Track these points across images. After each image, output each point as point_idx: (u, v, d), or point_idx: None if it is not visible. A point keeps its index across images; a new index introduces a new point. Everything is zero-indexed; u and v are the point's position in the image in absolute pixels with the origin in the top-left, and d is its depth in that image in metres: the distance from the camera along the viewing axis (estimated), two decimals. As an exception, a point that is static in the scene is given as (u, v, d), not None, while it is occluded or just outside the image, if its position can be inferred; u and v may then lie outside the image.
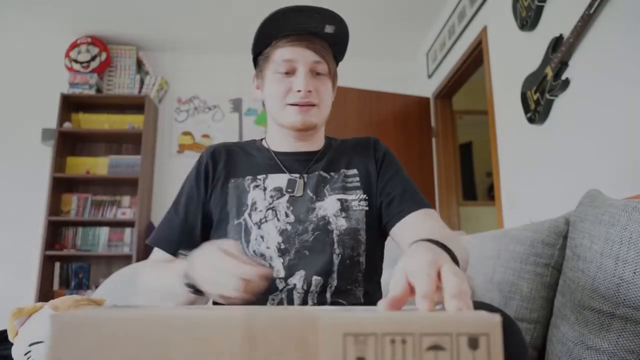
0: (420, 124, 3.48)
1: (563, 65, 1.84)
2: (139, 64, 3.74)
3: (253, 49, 0.93)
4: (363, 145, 0.99)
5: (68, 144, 3.53)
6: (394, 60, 3.90)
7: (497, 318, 0.31)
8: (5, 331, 0.98)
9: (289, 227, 0.86)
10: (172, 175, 3.67)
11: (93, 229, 3.44)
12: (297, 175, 0.92)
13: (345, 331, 0.31)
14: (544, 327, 1.06)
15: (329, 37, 0.90)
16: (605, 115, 1.63)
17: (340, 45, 0.93)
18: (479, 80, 2.94)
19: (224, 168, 0.94)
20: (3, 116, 3.55)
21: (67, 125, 3.41)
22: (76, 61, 3.53)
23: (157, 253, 0.93)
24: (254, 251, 0.86)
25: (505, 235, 1.26)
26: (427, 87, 3.62)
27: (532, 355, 1.05)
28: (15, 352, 0.89)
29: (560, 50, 1.84)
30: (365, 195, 0.91)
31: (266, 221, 0.87)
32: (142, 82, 3.67)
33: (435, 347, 0.31)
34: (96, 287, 3.31)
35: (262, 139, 1.02)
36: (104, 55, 3.55)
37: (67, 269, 3.39)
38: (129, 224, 3.41)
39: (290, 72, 0.88)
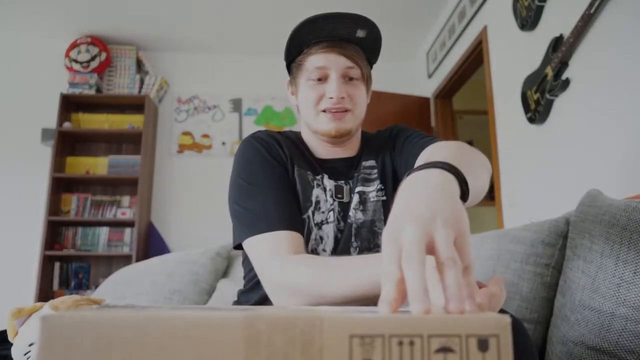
0: (420, 124, 3.48)
1: (563, 65, 1.84)
2: (139, 64, 3.73)
3: (285, 56, 0.93)
4: (384, 135, 0.99)
5: (68, 144, 3.53)
6: (394, 60, 3.90)
7: (506, 319, 0.31)
8: (5, 331, 0.98)
9: (339, 235, 0.88)
10: (172, 175, 3.67)
11: (93, 229, 3.44)
12: (342, 181, 0.92)
13: (351, 332, 0.30)
14: (544, 327, 1.06)
15: (361, 42, 0.90)
16: (605, 115, 1.63)
17: (373, 48, 0.93)
18: (479, 80, 2.94)
19: (286, 153, 0.90)
20: (3, 116, 3.55)
21: (67, 125, 3.41)
22: (76, 61, 3.52)
23: (278, 238, 0.77)
24: (312, 250, 0.86)
25: (505, 235, 1.26)
26: (427, 87, 3.61)
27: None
28: (15, 352, 0.89)
29: (560, 50, 1.84)
30: (381, 185, 0.91)
31: (327, 223, 0.87)
32: (142, 82, 3.66)
33: (444, 349, 0.30)
34: (96, 287, 3.31)
35: (299, 133, 0.99)
36: (103, 55, 3.55)
37: (67, 269, 3.39)
38: (129, 224, 3.41)
39: (322, 79, 0.87)
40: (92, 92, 3.50)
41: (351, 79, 0.88)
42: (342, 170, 0.93)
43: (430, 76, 3.56)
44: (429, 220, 0.38)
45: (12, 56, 3.64)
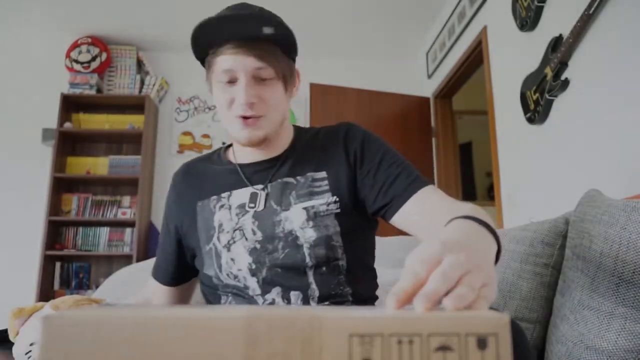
0: (420, 124, 3.48)
1: (563, 65, 1.84)
2: (139, 64, 3.74)
3: (194, 55, 0.86)
4: (333, 139, 0.90)
5: (68, 144, 3.53)
6: (394, 60, 3.90)
7: (505, 317, 0.31)
8: (5, 331, 0.98)
9: (257, 246, 0.83)
10: (172, 175, 3.67)
11: (93, 229, 3.44)
12: (261, 186, 0.87)
13: (351, 332, 0.30)
14: (544, 327, 1.07)
15: (271, 38, 0.81)
16: (604, 115, 1.63)
17: (287, 43, 0.84)
18: (479, 80, 2.94)
19: (192, 190, 0.93)
20: (3, 116, 3.55)
21: (67, 125, 3.41)
22: (77, 61, 3.53)
23: (155, 283, 1.01)
24: (227, 274, 0.84)
25: (505, 235, 1.26)
26: (427, 87, 3.61)
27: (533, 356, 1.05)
28: (16, 351, 0.89)
29: (559, 50, 1.84)
30: (335, 198, 0.84)
31: (234, 242, 0.84)
32: (142, 82, 3.67)
33: (443, 348, 0.30)
34: (96, 287, 3.31)
35: (228, 146, 0.98)
36: (104, 56, 3.56)
37: (67, 268, 3.39)
38: (129, 224, 3.41)
39: (232, 81, 0.81)
40: (93, 92, 3.50)
41: (264, 79, 0.81)
42: (262, 174, 0.89)
43: (430, 76, 3.56)
44: (472, 264, 0.39)
45: (12, 56, 3.65)
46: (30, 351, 0.88)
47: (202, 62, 0.88)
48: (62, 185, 3.44)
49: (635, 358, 0.78)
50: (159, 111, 3.77)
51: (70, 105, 3.53)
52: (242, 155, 0.92)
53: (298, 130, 0.96)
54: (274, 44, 0.82)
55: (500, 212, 2.45)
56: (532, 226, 1.18)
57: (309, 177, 0.87)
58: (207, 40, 0.82)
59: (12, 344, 0.93)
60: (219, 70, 0.81)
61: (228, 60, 0.80)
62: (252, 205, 0.85)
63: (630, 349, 0.79)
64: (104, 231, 3.43)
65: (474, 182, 4.60)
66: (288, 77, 0.86)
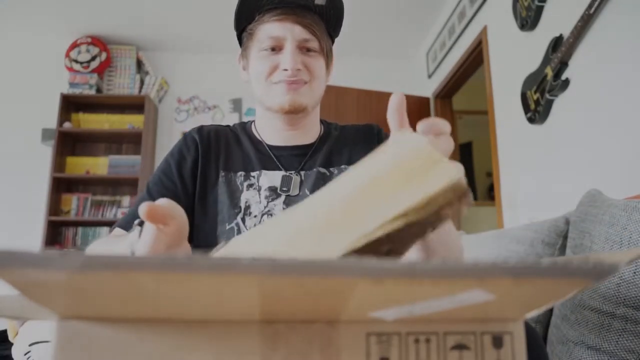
0: (420, 124, 3.47)
1: (563, 65, 1.84)
2: (139, 64, 3.74)
3: (235, 25, 0.84)
4: (365, 135, 0.90)
5: (68, 143, 3.53)
6: (394, 60, 3.90)
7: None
8: (5, 331, 0.98)
9: None
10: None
11: (93, 229, 3.44)
12: (293, 171, 0.83)
13: (368, 331, 0.30)
14: (544, 327, 1.06)
15: (320, 10, 0.80)
16: (605, 115, 1.63)
17: (334, 19, 0.83)
18: (479, 80, 2.94)
19: (215, 156, 0.84)
20: (3, 116, 3.55)
21: (67, 125, 3.41)
22: (76, 61, 3.53)
23: (115, 233, 0.82)
24: None
25: (505, 235, 1.26)
26: (427, 87, 3.61)
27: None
28: (16, 352, 0.89)
29: (560, 50, 1.84)
30: None
31: None
32: (142, 82, 3.66)
33: (460, 346, 0.31)
34: (96, 287, 3.31)
35: (251, 123, 0.92)
36: (104, 55, 3.55)
37: (67, 269, 3.39)
38: (129, 224, 3.40)
39: (276, 49, 0.79)
40: (92, 92, 3.50)
41: (308, 50, 0.79)
42: (294, 158, 0.85)
43: (430, 76, 3.56)
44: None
45: (12, 56, 3.64)
46: (29, 351, 0.88)
47: (239, 37, 0.86)
48: (61, 185, 3.44)
49: (636, 358, 0.78)
50: (159, 111, 3.77)
51: (70, 105, 3.52)
52: (271, 136, 0.87)
53: (323, 121, 0.94)
54: (321, 18, 0.81)
55: (500, 212, 2.45)
56: (532, 226, 1.18)
57: (343, 170, 0.85)
58: (254, 5, 0.79)
59: (12, 344, 0.93)
60: (263, 37, 0.79)
61: (275, 27, 0.78)
62: (285, 189, 0.81)
63: (632, 349, 0.79)
64: (104, 231, 3.43)
65: (474, 182, 4.59)
66: (329, 55, 0.85)
